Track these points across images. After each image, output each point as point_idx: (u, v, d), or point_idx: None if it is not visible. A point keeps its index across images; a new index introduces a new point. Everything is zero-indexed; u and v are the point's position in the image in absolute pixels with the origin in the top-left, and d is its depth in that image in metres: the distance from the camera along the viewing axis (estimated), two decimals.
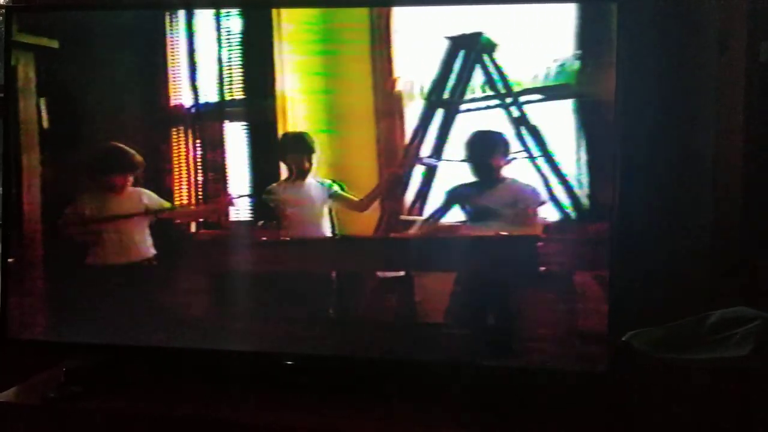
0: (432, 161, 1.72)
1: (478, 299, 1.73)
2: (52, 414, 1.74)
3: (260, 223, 1.82)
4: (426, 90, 1.70)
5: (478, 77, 1.67)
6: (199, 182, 1.83)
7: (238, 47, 1.79)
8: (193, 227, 1.87)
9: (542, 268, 1.68)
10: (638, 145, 1.70)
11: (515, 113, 1.66)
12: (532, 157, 1.66)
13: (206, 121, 1.82)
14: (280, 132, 1.78)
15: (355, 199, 1.76)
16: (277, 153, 1.80)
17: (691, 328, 1.20)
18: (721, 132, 1.75)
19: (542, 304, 1.68)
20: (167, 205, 1.84)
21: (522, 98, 1.66)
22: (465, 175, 1.70)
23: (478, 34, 1.66)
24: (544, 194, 1.66)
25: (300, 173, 1.79)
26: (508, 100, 1.66)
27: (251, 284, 1.83)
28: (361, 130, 1.75)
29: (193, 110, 1.82)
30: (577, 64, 1.63)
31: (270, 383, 1.80)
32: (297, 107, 1.77)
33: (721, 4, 1.73)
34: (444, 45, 1.68)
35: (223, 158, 1.81)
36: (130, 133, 1.85)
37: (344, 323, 1.80)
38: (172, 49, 1.81)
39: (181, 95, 1.81)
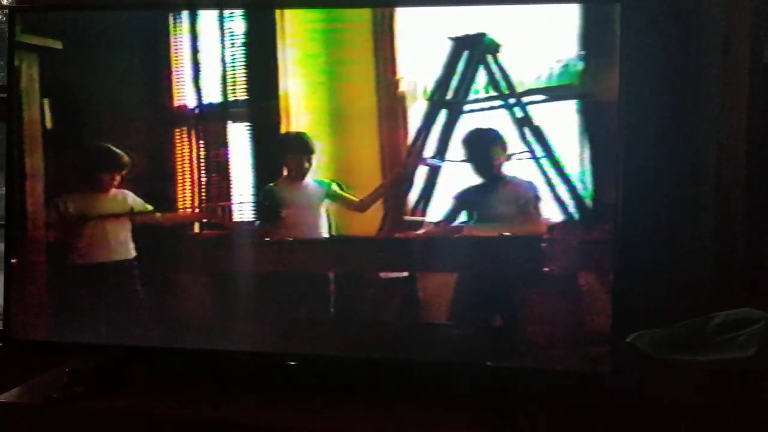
0: (435, 162, 1.72)
1: (480, 299, 1.73)
2: (55, 414, 1.74)
3: (257, 223, 1.82)
4: (429, 90, 1.71)
5: (481, 78, 1.68)
6: (203, 183, 1.83)
7: (242, 48, 1.79)
8: (193, 228, 1.87)
9: (545, 269, 1.67)
10: (641, 146, 1.70)
11: (518, 114, 1.66)
12: (535, 158, 1.66)
13: (209, 121, 1.82)
14: (283, 132, 1.79)
15: (355, 199, 1.76)
16: (278, 152, 1.80)
17: (695, 330, 1.20)
18: (724, 133, 1.75)
19: (545, 305, 1.68)
20: (150, 207, 1.85)
21: (525, 99, 1.66)
22: (468, 175, 1.70)
23: (482, 35, 1.66)
24: (542, 190, 1.66)
25: (298, 173, 1.79)
26: (512, 100, 1.66)
27: (251, 284, 1.83)
28: (365, 130, 1.75)
29: (196, 111, 1.82)
30: (580, 65, 1.63)
31: (272, 384, 1.80)
32: (300, 108, 1.77)
33: (725, 5, 1.73)
34: (447, 45, 1.68)
35: (226, 159, 1.82)
36: (132, 133, 1.85)
37: (346, 324, 1.80)
38: (176, 49, 1.81)
39: (185, 96, 1.82)
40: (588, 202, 1.65)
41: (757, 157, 1.73)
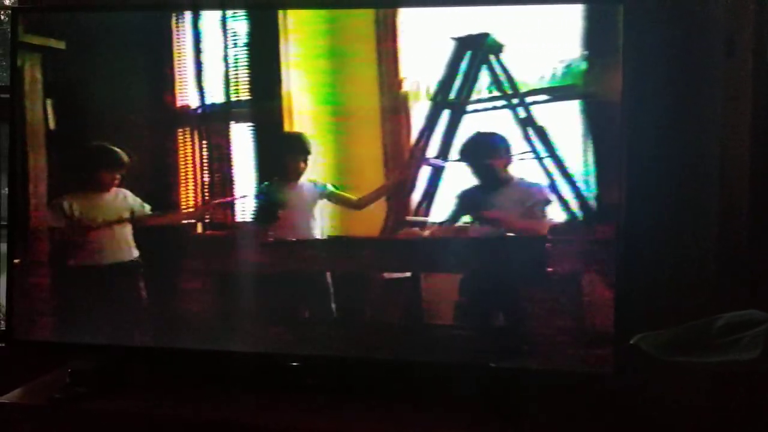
0: (438, 162, 1.72)
1: (483, 300, 1.73)
2: (58, 414, 1.74)
3: (257, 223, 1.82)
4: (432, 91, 1.70)
5: (484, 78, 1.67)
6: (206, 183, 1.83)
7: (244, 48, 1.79)
8: (192, 228, 1.87)
9: (548, 269, 1.67)
10: (644, 147, 1.70)
11: (522, 114, 1.66)
12: (538, 158, 1.66)
13: (212, 122, 1.82)
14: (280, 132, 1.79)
15: (353, 198, 1.76)
16: (273, 153, 1.80)
17: (699, 331, 1.19)
18: (728, 134, 1.75)
19: (548, 305, 1.68)
20: (148, 207, 1.85)
21: (528, 99, 1.65)
22: (470, 176, 1.70)
23: (485, 35, 1.66)
24: (549, 192, 1.66)
25: (294, 174, 1.79)
26: (515, 100, 1.66)
27: (251, 284, 1.83)
28: (367, 131, 1.75)
29: (199, 111, 1.82)
30: (583, 65, 1.63)
31: (272, 384, 1.80)
32: (302, 108, 1.77)
33: (728, 5, 1.73)
34: (450, 46, 1.68)
35: (229, 159, 1.81)
36: (135, 133, 1.85)
37: (347, 324, 1.79)
38: (179, 50, 1.81)
39: (188, 96, 1.82)
40: (591, 202, 1.64)
41: (760, 158, 1.73)
